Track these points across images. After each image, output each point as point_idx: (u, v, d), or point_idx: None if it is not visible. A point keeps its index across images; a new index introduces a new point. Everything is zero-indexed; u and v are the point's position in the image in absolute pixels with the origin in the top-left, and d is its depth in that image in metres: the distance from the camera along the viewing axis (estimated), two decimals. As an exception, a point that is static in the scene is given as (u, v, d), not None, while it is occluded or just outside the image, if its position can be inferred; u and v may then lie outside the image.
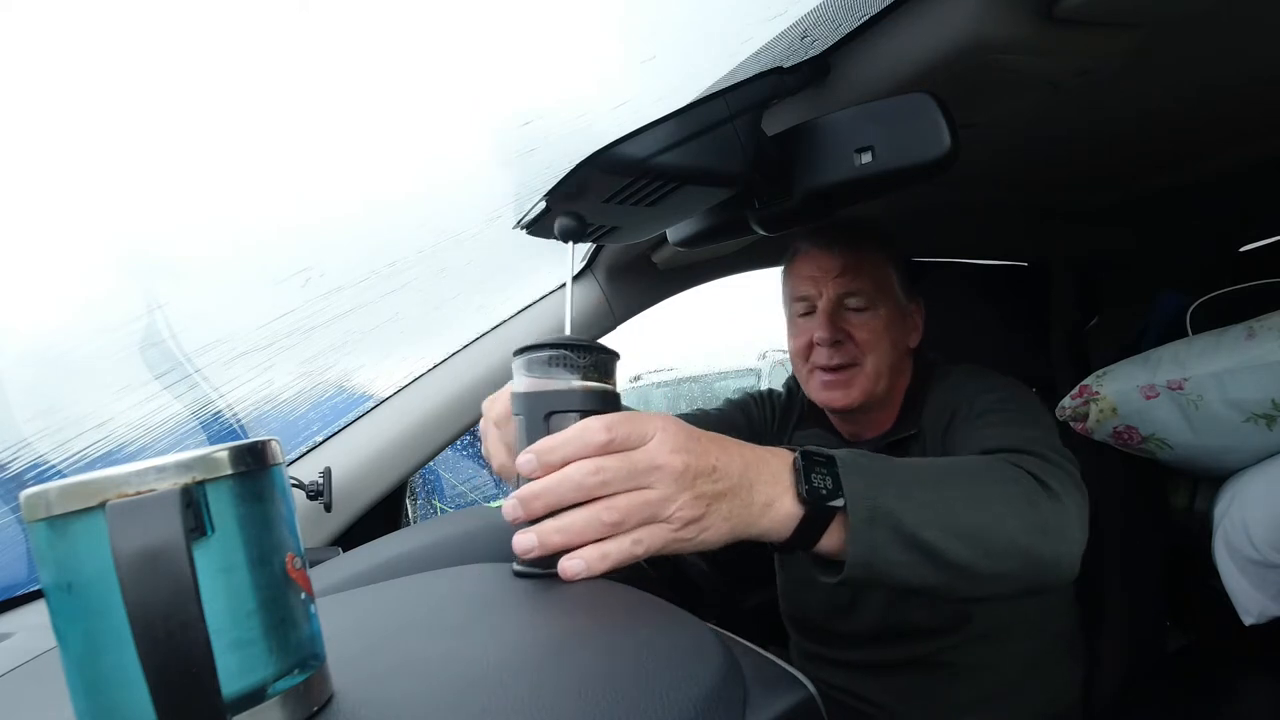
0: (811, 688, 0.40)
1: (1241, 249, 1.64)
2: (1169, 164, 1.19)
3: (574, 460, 0.47)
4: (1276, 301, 1.11)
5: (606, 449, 0.47)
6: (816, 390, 0.95)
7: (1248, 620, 1.10)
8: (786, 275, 0.98)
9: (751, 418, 1.09)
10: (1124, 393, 1.14)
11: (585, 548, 0.47)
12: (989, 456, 0.68)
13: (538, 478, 0.47)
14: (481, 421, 0.63)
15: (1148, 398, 1.11)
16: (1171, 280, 1.51)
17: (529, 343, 0.52)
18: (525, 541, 0.47)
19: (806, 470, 0.53)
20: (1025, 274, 1.73)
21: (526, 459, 0.47)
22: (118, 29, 0.74)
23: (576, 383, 0.50)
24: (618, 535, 0.47)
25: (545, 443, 0.48)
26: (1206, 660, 1.25)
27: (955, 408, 0.89)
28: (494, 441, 0.61)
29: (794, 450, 0.55)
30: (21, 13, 0.71)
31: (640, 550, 0.48)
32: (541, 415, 0.49)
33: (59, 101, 0.78)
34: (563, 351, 0.50)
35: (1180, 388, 1.07)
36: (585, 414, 0.49)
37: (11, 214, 0.87)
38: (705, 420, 1.06)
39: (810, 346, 0.92)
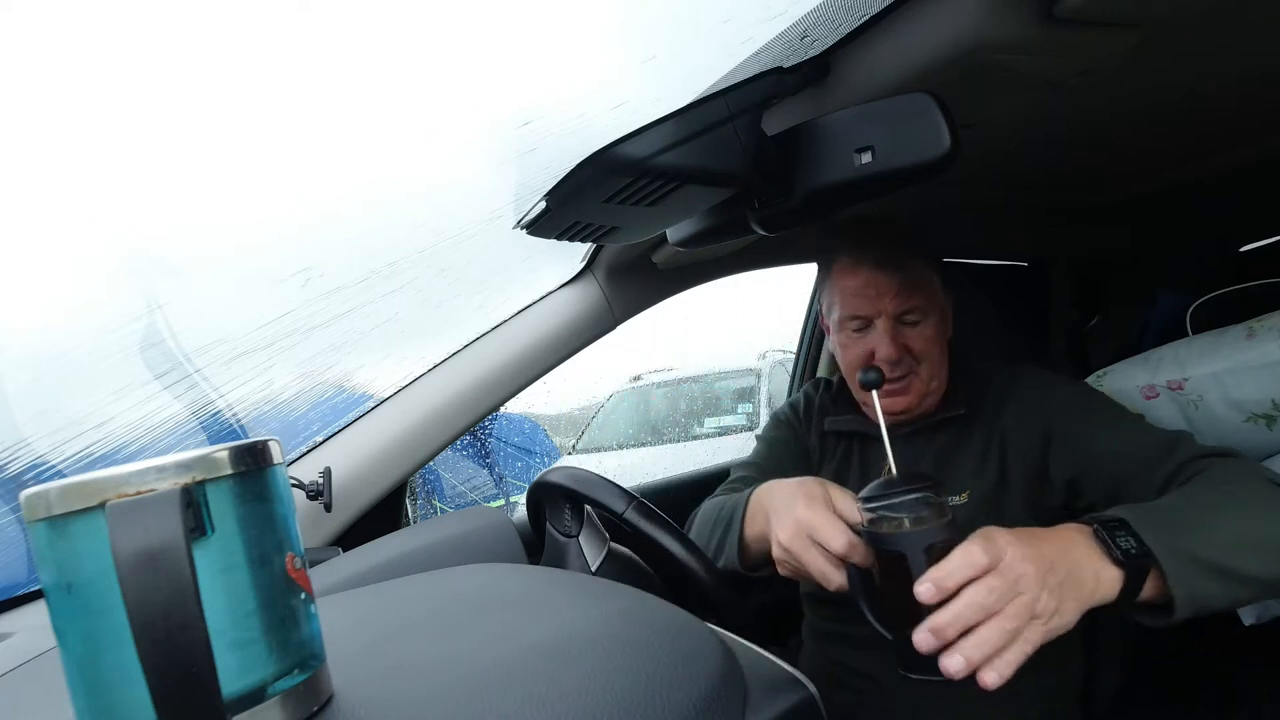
0: (811, 687, 0.40)
1: (1241, 249, 1.63)
2: (1169, 164, 1.19)
3: (965, 583, 0.56)
4: (1276, 301, 1.11)
5: (988, 569, 0.56)
6: (876, 400, 0.98)
7: (1248, 620, 1.10)
8: (833, 291, 0.99)
9: (790, 432, 1.14)
10: (1124, 393, 1.14)
11: (995, 659, 0.56)
12: (1206, 470, 0.76)
13: (934, 600, 0.56)
14: (805, 549, 0.72)
15: (1148, 398, 1.11)
16: (1171, 280, 1.51)
17: (885, 487, 0.64)
18: (954, 665, 0.55)
19: (1111, 537, 0.62)
20: (1025, 274, 1.73)
21: (926, 588, 0.56)
22: (120, 29, 0.74)
23: (944, 519, 0.61)
24: (1014, 641, 0.56)
25: (938, 572, 0.57)
26: (1206, 660, 1.25)
27: (1049, 411, 0.92)
28: (823, 564, 0.71)
29: (1087, 524, 0.64)
30: (23, 13, 0.71)
31: (1029, 648, 0.57)
32: (922, 549, 0.60)
33: (60, 102, 0.78)
34: (928, 494, 0.62)
35: (1180, 388, 1.07)
36: (953, 541, 0.59)
37: (13, 214, 0.87)
38: (765, 463, 1.11)
39: (869, 358, 0.96)
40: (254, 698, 0.33)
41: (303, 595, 0.36)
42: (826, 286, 1.02)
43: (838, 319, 0.99)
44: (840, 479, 1.05)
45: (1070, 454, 0.90)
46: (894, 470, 0.67)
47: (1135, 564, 0.61)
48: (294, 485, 0.98)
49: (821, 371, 1.79)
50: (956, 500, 0.95)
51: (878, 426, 1.02)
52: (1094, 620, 1.00)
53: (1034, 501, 0.93)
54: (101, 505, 0.30)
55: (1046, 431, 0.93)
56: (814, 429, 1.12)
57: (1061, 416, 0.92)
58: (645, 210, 0.66)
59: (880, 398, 0.96)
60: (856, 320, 0.96)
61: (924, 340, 0.95)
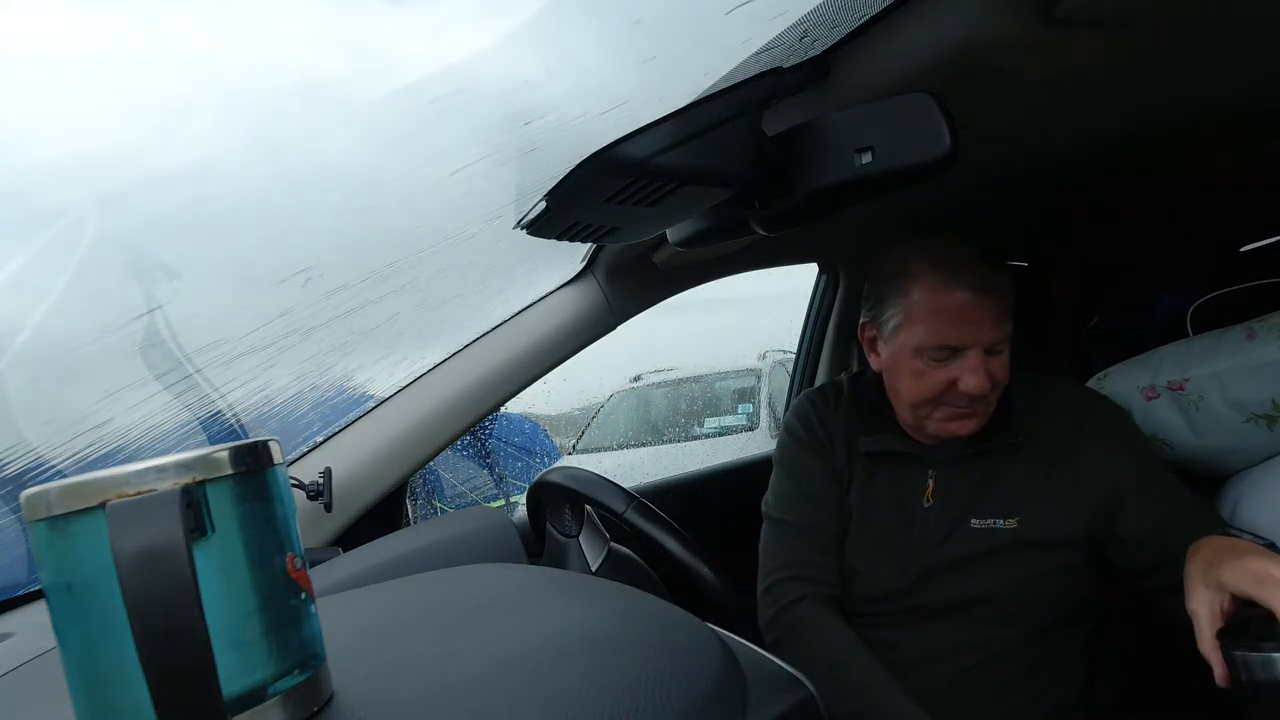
0: (811, 687, 0.40)
1: (1242, 249, 1.63)
2: (1169, 164, 1.19)
3: None
4: (1276, 301, 1.11)
5: None
6: (939, 423, 0.92)
7: None
8: (912, 310, 0.89)
9: (815, 456, 1.03)
10: (1124, 393, 1.14)
11: None
12: None
13: None
14: None
15: (1148, 398, 1.11)
16: (1171, 280, 1.51)
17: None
18: None
19: None
20: (1025, 274, 1.73)
21: None
22: (120, 28, 0.74)
23: None
24: None
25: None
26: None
27: (1126, 469, 0.91)
28: None
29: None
30: (21, 8, 0.72)
31: None
32: None
33: (59, 99, 0.78)
34: None
35: (1181, 388, 1.07)
36: None
37: (11, 212, 0.87)
38: (800, 510, 1.01)
39: (948, 390, 0.88)
40: (254, 698, 0.33)
41: (303, 595, 0.36)
42: (896, 300, 0.91)
43: (915, 344, 0.89)
44: (872, 502, 0.99)
45: (1136, 522, 0.88)
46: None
47: None
48: (294, 485, 0.98)
49: (822, 373, 1.78)
50: (1004, 525, 0.91)
51: (919, 446, 0.97)
52: (1097, 631, 1.01)
53: (1082, 540, 0.92)
54: (101, 505, 0.30)
55: (1119, 488, 0.90)
56: (838, 445, 1.02)
57: (1137, 481, 0.90)
58: (645, 210, 0.66)
59: (944, 422, 0.91)
60: (945, 350, 0.87)
61: (1004, 368, 0.89)
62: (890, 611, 0.97)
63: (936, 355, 0.88)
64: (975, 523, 0.92)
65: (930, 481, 0.96)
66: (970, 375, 0.86)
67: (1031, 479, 0.92)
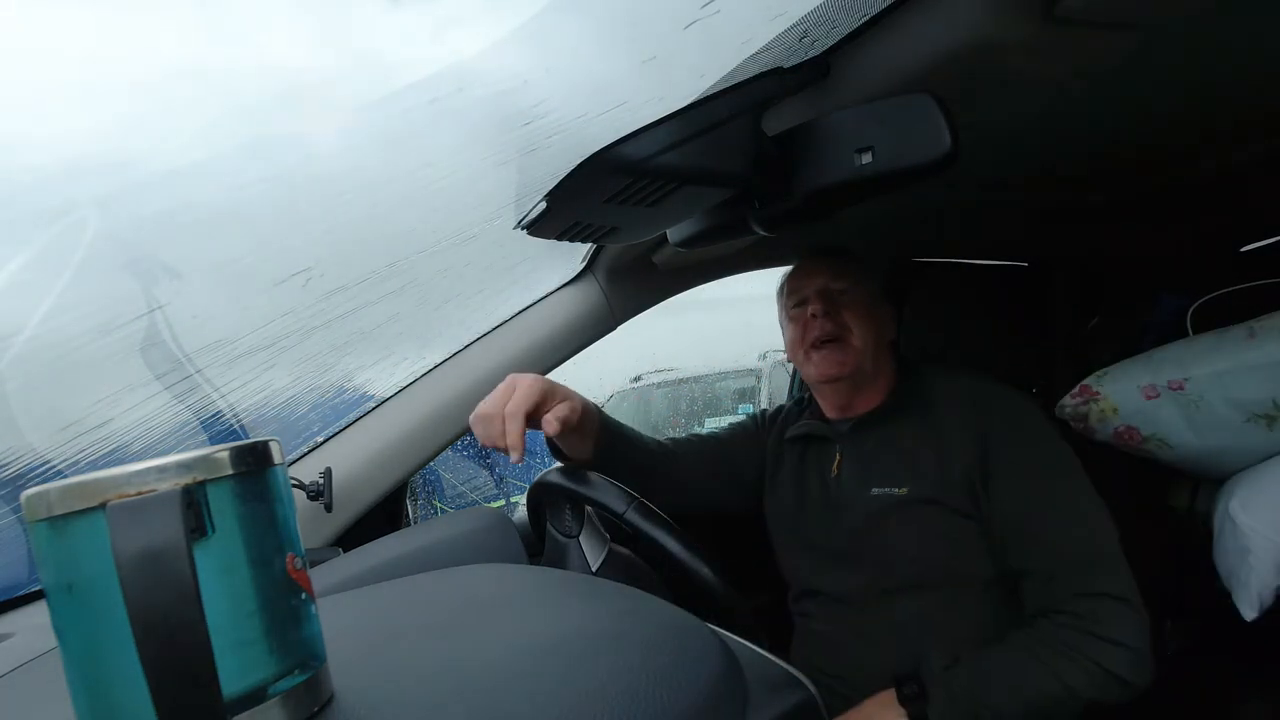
0: (812, 688, 0.40)
1: (1242, 249, 1.63)
2: (1169, 164, 1.18)
3: None
4: (1277, 301, 1.11)
5: None
6: (815, 367, 1.06)
7: (1249, 615, 1.09)
8: (782, 293, 1.14)
9: (754, 429, 1.24)
10: (1125, 393, 1.14)
11: None
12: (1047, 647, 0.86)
13: None
14: None
15: (1149, 398, 1.11)
16: (1171, 280, 1.51)
17: None
18: None
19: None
20: (1025, 274, 1.73)
21: None
22: (121, 29, 0.74)
23: None
24: None
25: None
26: (1207, 663, 1.25)
27: (989, 429, 0.97)
28: None
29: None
30: (19, 10, 0.71)
31: None
32: None
33: (59, 100, 0.78)
34: None
35: (1181, 388, 1.08)
36: None
37: (11, 212, 0.87)
38: (722, 440, 1.23)
39: (805, 327, 1.06)
40: (254, 698, 0.33)
41: (303, 595, 0.36)
42: (781, 297, 1.15)
43: (784, 308, 1.13)
44: (798, 483, 1.12)
45: (999, 501, 0.94)
46: None
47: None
48: (294, 485, 0.98)
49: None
50: (896, 492, 1.00)
51: (828, 426, 1.11)
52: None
53: (971, 510, 0.96)
54: (102, 505, 0.30)
55: (986, 461, 0.96)
56: (774, 436, 1.19)
57: (995, 437, 0.96)
58: (645, 211, 0.66)
59: (818, 365, 1.05)
60: (794, 296, 1.09)
61: (854, 309, 1.05)
62: (828, 593, 1.04)
63: (793, 303, 1.10)
64: (875, 490, 1.02)
65: (837, 455, 1.08)
66: (809, 306, 1.06)
67: (915, 452, 1.01)
